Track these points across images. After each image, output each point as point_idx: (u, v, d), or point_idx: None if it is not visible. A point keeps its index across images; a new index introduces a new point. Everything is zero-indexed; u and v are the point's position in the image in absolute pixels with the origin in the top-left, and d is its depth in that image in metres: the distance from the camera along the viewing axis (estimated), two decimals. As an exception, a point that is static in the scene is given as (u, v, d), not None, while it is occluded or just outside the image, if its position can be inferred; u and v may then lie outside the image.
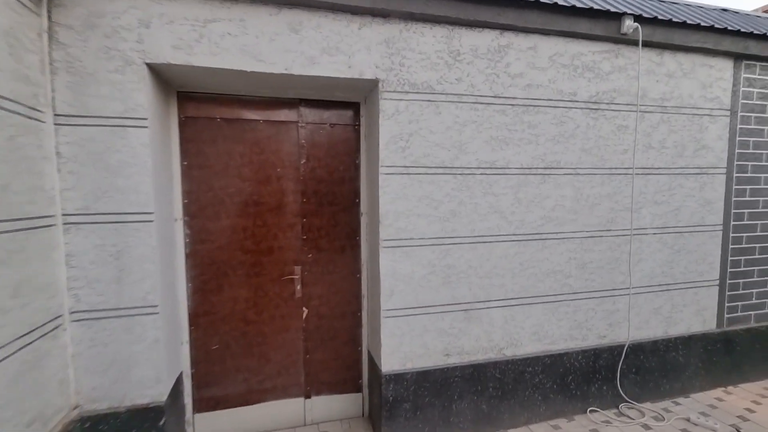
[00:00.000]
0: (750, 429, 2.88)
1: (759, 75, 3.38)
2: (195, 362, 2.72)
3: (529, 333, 2.92)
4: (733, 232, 3.44)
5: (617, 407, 3.15)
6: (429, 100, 2.58)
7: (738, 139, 3.37)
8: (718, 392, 3.42)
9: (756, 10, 5.60)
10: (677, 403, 3.25)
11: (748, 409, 3.14)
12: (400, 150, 2.55)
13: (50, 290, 1.97)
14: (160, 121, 2.36)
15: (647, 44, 2.97)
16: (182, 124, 2.59)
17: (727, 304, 3.48)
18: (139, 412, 2.20)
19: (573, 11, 2.70)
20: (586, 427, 2.90)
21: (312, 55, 2.35)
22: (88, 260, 2.10)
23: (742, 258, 3.50)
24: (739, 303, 3.53)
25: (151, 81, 2.19)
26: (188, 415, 2.70)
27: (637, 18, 2.81)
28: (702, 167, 3.28)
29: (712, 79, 3.22)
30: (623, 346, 3.14)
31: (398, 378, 2.64)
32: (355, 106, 2.90)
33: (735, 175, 3.39)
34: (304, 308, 2.91)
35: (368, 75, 2.45)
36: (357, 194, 2.95)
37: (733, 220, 3.43)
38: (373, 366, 2.83)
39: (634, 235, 3.12)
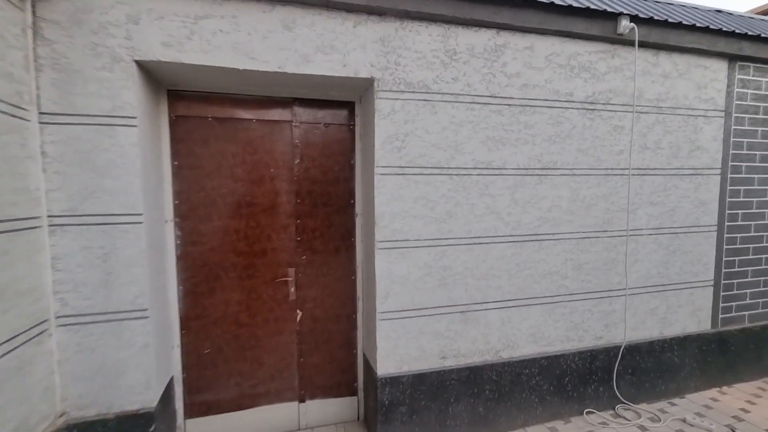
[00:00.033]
0: (745, 429, 2.88)
1: (753, 76, 3.39)
2: (186, 367, 2.66)
3: (525, 335, 2.90)
4: (727, 233, 3.45)
5: (614, 408, 3.14)
6: (425, 100, 2.54)
7: (732, 140, 3.37)
8: (713, 392, 3.43)
9: (749, 12, 5.65)
10: (673, 404, 3.25)
11: (743, 410, 3.15)
12: (395, 150, 2.52)
13: (35, 294, 1.91)
14: (150, 120, 2.30)
15: (643, 45, 2.96)
16: (173, 124, 2.53)
17: (721, 305, 3.49)
18: (128, 419, 2.14)
19: (569, 11, 2.68)
20: (582, 429, 2.88)
21: (306, 54, 2.30)
22: (74, 263, 2.04)
23: (737, 258, 3.51)
24: (734, 303, 3.54)
25: (141, 79, 2.13)
26: (179, 421, 2.64)
27: (633, 18, 2.80)
28: (697, 168, 3.28)
29: (706, 79, 3.22)
30: (619, 347, 3.13)
31: (394, 381, 2.61)
32: (350, 106, 2.86)
33: (729, 175, 3.40)
34: (298, 311, 2.86)
35: (363, 74, 2.41)
36: (352, 195, 2.90)
37: (728, 221, 3.44)
38: (369, 369, 2.79)
39: (630, 236, 3.12)
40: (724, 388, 3.50)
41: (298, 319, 2.86)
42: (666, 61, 3.09)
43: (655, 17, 2.84)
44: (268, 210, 2.74)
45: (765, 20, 3.82)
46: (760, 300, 3.64)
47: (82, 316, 2.06)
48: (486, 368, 2.80)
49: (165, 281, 2.52)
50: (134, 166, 2.07)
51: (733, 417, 3.04)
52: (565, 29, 2.71)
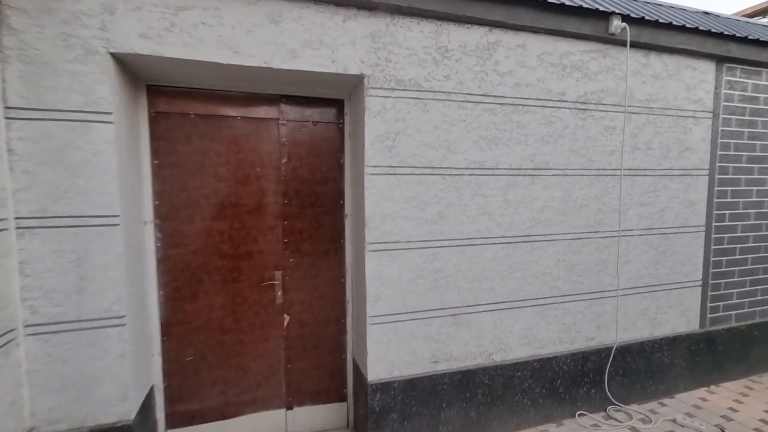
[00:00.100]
0: (734, 429, 2.90)
1: (739, 78, 3.42)
2: (167, 375, 2.54)
3: (518, 337, 2.86)
4: (715, 233, 3.47)
5: (605, 410, 3.13)
6: (416, 98, 2.48)
7: (720, 141, 3.40)
8: (702, 392, 3.45)
9: (736, 14, 5.74)
10: (663, 404, 3.25)
11: (731, 409, 3.17)
12: (386, 149, 2.44)
13: (1, 302, 1.78)
14: (128, 116, 2.18)
15: (634, 45, 2.95)
16: (153, 120, 2.41)
17: (709, 304, 3.52)
18: (103, 433, 2.02)
19: (562, 9, 2.65)
20: (575, 432, 2.86)
21: (293, 48, 2.21)
22: (44, 268, 1.91)
23: (724, 258, 3.54)
24: (721, 303, 3.57)
25: (117, 72, 2.02)
26: (160, 432, 2.53)
27: (625, 18, 2.79)
28: (686, 169, 3.29)
29: (695, 81, 3.23)
30: (611, 348, 3.12)
31: (385, 387, 2.53)
32: (339, 104, 2.77)
33: (717, 176, 3.42)
34: (285, 315, 2.76)
35: (353, 70, 2.34)
36: (341, 195, 2.82)
37: (715, 221, 3.46)
38: (359, 374, 2.71)
39: (621, 236, 3.11)
40: (712, 388, 3.52)
41: (286, 323, 2.77)
42: (656, 61, 3.08)
43: (647, 17, 2.83)
44: (254, 211, 2.64)
45: (751, 23, 3.86)
46: (746, 300, 3.68)
47: (53, 324, 1.94)
48: (478, 372, 2.75)
49: (144, 286, 2.40)
50: (110, 165, 1.95)
51: (722, 417, 3.06)
52: (558, 28, 2.68)
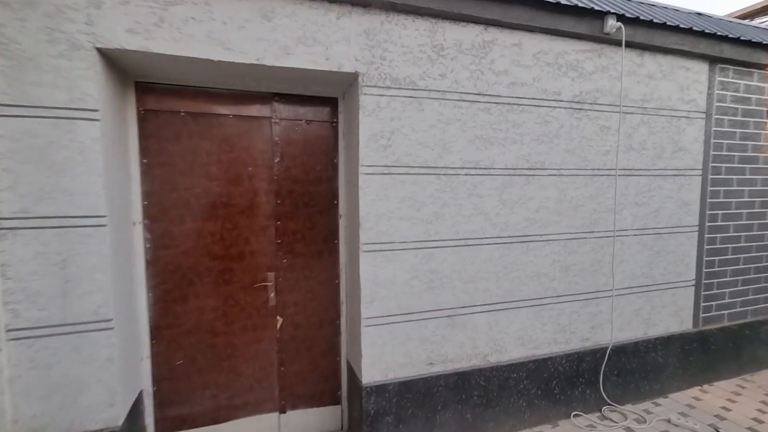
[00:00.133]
0: (728, 428, 2.91)
1: (732, 78, 3.44)
2: (157, 379, 2.48)
3: (513, 338, 2.84)
4: (708, 233, 3.49)
5: (600, 410, 3.12)
6: (411, 97, 2.45)
7: (713, 141, 3.41)
8: (695, 391, 3.46)
9: (728, 16, 5.79)
10: (657, 404, 3.25)
11: (724, 408, 3.18)
12: (381, 148, 2.41)
13: (-19, 306, 1.71)
14: (115, 113, 2.12)
15: (629, 45, 2.95)
16: (141, 118, 2.35)
17: (702, 304, 3.53)
18: (90, 440, 1.96)
19: (557, 8, 2.63)
20: (570, 433, 2.85)
21: (286, 45, 2.17)
22: (27, 270, 1.84)
23: (716, 258, 3.55)
24: (714, 303, 3.59)
25: (103, 68, 1.96)
26: (149, 438, 2.46)
27: (620, 18, 2.78)
28: (680, 169, 3.30)
29: (689, 81, 3.24)
30: (606, 348, 3.12)
31: (380, 389, 2.50)
32: (332, 102, 2.73)
33: (710, 176, 3.44)
34: (278, 317, 2.72)
35: (347, 68, 2.30)
36: (335, 195, 2.78)
37: (708, 221, 3.48)
38: (353, 377, 2.67)
39: (616, 236, 3.10)
40: (705, 387, 3.54)
41: (279, 325, 2.72)
42: (651, 61, 3.09)
43: (641, 17, 2.83)
44: (246, 211, 2.59)
45: (742, 24, 3.89)
46: (738, 299, 3.70)
47: (37, 328, 1.87)
48: (474, 373, 2.72)
49: (133, 288, 2.33)
50: (96, 164, 1.89)
51: (716, 416, 3.07)
52: (553, 27, 2.66)
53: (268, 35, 2.13)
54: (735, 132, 3.51)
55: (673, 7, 3.56)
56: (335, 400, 2.89)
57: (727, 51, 3.27)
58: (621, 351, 3.20)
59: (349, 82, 2.48)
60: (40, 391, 1.89)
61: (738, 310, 3.71)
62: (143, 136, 2.35)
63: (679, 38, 3.06)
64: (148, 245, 2.41)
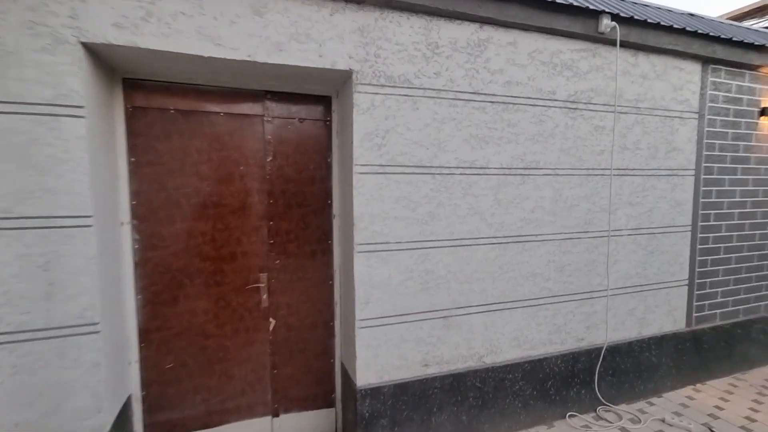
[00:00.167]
0: (721, 427, 2.92)
1: (724, 79, 3.46)
2: (146, 384, 2.42)
3: (509, 339, 2.82)
4: (700, 233, 3.50)
5: (595, 410, 3.12)
6: (406, 95, 2.41)
7: (705, 141, 3.43)
8: (688, 390, 3.47)
9: (720, 17, 5.84)
10: (651, 404, 3.26)
11: (717, 407, 3.20)
12: (375, 147, 2.37)
13: (-41, 310, 1.64)
14: (102, 111, 2.06)
15: (623, 45, 2.95)
16: (129, 116, 2.29)
17: (695, 304, 3.55)
18: (75, 448, 1.90)
19: (552, 7, 2.62)
20: (566, 434, 2.84)
21: (278, 42, 2.12)
22: (9, 273, 1.78)
23: (709, 258, 3.57)
24: (706, 302, 3.60)
25: (89, 64, 1.89)
26: (138, 444, 2.40)
27: (615, 17, 2.78)
28: (673, 169, 3.31)
29: (682, 81, 3.25)
30: (600, 348, 3.11)
31: (374, 392, 2.46)
32: (326, 100, 2.69)
33: (702, 176, 3.45)
34: (271, 319, 2.67)
35: (341, 66, 2.26)
36: (329, 195, 2.74)
37: (701, 221, 3.49)
38: (347, 379, 2.63)
39: (611, 236, 3.10)
40: (698, 386, 3.55)
41: (271, 327, 2.67)
42: (644, 61, 3.09)
43: (636, 17, 2.83)
44: (238, 211, 2.54)
45: (734, 25, 3.92)
46: (730, 298, 3.72)
47: (20, 333, 1.81)
48: (469, 375, 2.70)
49: (121, 290, 2.27)
50: (81, 163, 1.83)
51: (709, 415, 3.08)
52: (548, 26, 2.65)
53: (260, 31, 2.08)
54: (727, 132, 3.53)
55: (666, 8, 3.57)
56: (329, 403, 2.85)
57: (720, 51, 3.28)
58: (615, 351, 3.20)
59: (343, 79, 2.44)
60: (23, 398, 1.82)
61: (730, 309, 3.73)
62: (131, 134, 2.29)
63: (673, 38, 3.07)
64: (136, 246, 2.35)
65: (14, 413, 1.81)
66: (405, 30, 2.37)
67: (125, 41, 1.86)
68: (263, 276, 2.61)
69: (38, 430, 1.85)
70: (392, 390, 2.50)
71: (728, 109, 3.51)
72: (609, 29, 2.76)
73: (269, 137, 2.57)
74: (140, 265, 2.36)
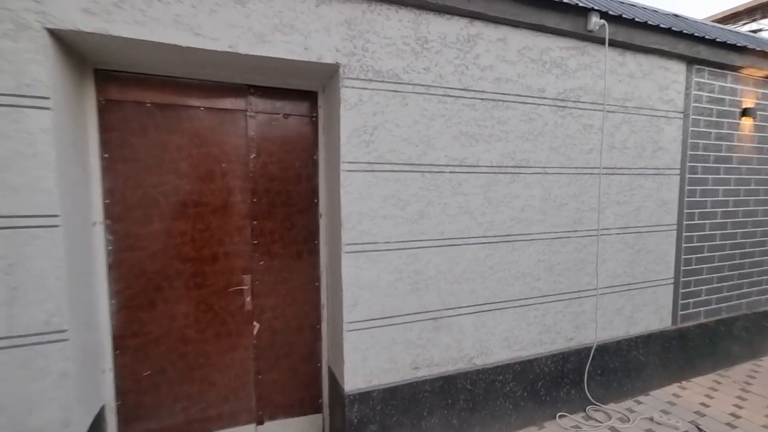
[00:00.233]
0: (708, 424, 2.94)
1: (708, 80, 3.50)
2: (121, 393, 2.29)
3: (499, 340, 2.78)
4: (685, 232, 3.53)
5: (584, 410, 3.10)
6: (395, 91, 2.35)
7: (690, 141, 3.46)
8: (675, 388, 3.50)
9: (704, 20, 5.95)
10: (639, 402, 3.27)
11: (703, 404, 3.22)
12: (363, 144, 2.30)
13: None
14: (71, 103, 1.93)
15: (611, 43, 2.94)
16: (102, 109, 2.16)
17: (680, 302, 3.58)
18: (41, 464, 1.77)
19: (542, 3, 2.59)
20: (556, 435, 2.81)
21: (262, 33, 2.03)
22: (-34, 277, 1.64)
23: (693, 256, 3.61)
24: (691, 300, 3.64)
25: (56, 52, 1.77)
26: (112, 457, 2.27)
27: (603, 15, 2.77)
28: (659, 168, 3.33)
29: (668, 81, 3.28)
30: (590, 348, 3.10)
31: (363, 397, 2.38)
32: (312, 96, 2.60)
33: (687, 176, 3.49)
34: (255, 323, 2.56)
35: (327, 59, 2.18)
36: (315, 193, 2.65)
37: (686, 220, 3.53)
38: (335, 384, 2.55)
39: (600, 235, 3.09)
40: (684, 383, 3.58)
41: (255, 331, 2.57)
42: (631, 60, 3.10)
43: (624, 15, 2.83)
44: (220, 210, 2.43)
45: (717, 27, 3.98)
46: (714, 296, 3.77)
47: (-22, 341, 1.67)
48: (460, 377, 2.65)
49: (93, 295, 2.14)
50: (47, 158, 1.70)
51: (696, 412, 3.10)
52: (538, 23, 2.62)
53: (242, 21, 1.99)
54: (710, 132, 3.58)
55: (652, 8, 3.60)
56: (316, 409, 2.76)
57: (704, 52, 3.32)
58: (604, 350, 3.19)
59: (330, 74, 2.36)
60: (-18, 412, 1.69)
61: (713, 307, 3.78)
62: (104, 128, 2.17)
63: (659, 38, 3.08)
64: (110, 247, 2.22)
65: (-28, 429, 1.68)
66: (393, 23, 2.31)
67: (96, 28, 1.74)
68: (246, 278, 2.51)
69: (0, 447, 1.72)
70: (381, 394, 2.43)
71: (711, 109, 3.55)
72: (598, 27, 2.75)
73: (252, 133, 2.47)
74: (114, 267, 2.23)
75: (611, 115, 3.06)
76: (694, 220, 3.57)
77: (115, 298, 2.25)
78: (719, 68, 3.53)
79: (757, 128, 3.85)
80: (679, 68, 3.32)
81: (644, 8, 3.49)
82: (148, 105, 2.24)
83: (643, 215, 3.30)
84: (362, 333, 2.37)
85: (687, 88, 3.39)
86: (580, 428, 2.88)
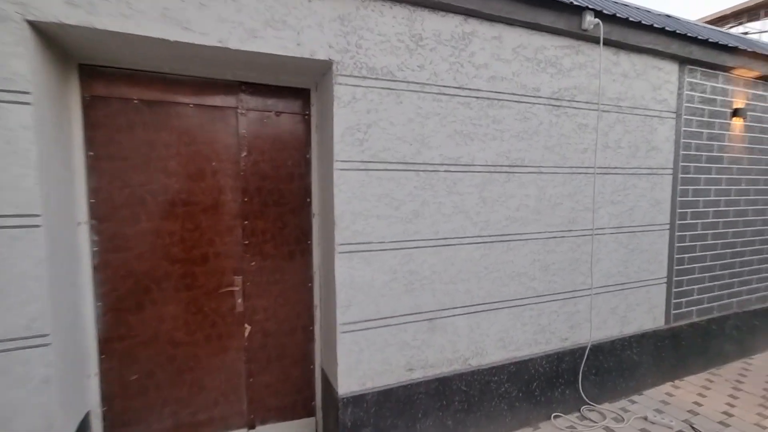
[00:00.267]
0: (701, 423, 2.94)
1: (700, 80, 3.52)
2: (107, 398, 2.22)
3: (494, 340, 2.76)
4: (678, 231, 3.55)
5: (579, 410, 3.10)
6: (389, 88, 2.31)
7: (682, 141, 3.48)
8: (668, 387, 3.51)
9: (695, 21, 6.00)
10: (633, 402, 3.27)
11: (696, 403, 3.24)
12: (357, 143, 2.26)
13: None
14: (54, 98, 1.86)
15: (605, 42, 2.93)
16: (87, 105, 2.09)
17: (673, 301, 3.59)
18: (22, 474, 1.70)
19: (537, 2, 2.57)
20: (551, 435, 2.80)
21: (253, 28, 1.98)
22: (-58, 279, 1.57)
23: (686, 256, 3.63)
24: (683, 299, 3.66)
25: (37, 45, 1.70)
26: (98, 464, 2.20)
27: (598, 14, 2.76)
28: (653, 168, 3.34)
29: (661, 81, 3.28)
30: (584, 347, 3.09)
31: (357, 400, 2.34)
32: (304, 93, 2.56)
33: (680, 175, 3.50)
34: (246, 325, 2.51)
35: (321, 55, 2.13)
36: (308, 193, 2.60)
37: (678, 220, 3.54)
38: (328, 387, 2.50)
39: (594, 235, 3.09)
40: (677, 382, 3.60)
41: (247, 333, 2.51)
42: (625, 60, 3.10)
43: (618, 14, 2.82)
44: (210, 209, 2.37)
45: (708, 27, 4.01)
46: (705, 295, 3.80)
47: (-46, 347, 1.60)
48: (455, 378, 2.62)
49: (77, 297, 2.07)
50: (28, 155, 1.64)
51: (689, 411, 3.11)
52: (533, 21, 2.60)
53: (233, 16, 1.94)
54: (702, 132, 3.59)
55: (644, 8, 3.61)
56: (309, 412, 2.71)
57: (696, 52, 3.33)
58: (598, 350, 3.19)
59: (323, 71, 2.31)
60: (-41, 421, 1.62)
61: (705, 306, 3.80)
62: (89, 125, 2.10)
63: (653, 38, 3.09)
64: (96, 248, 2.15)
65: (-52, 438, 1.60)
66: (388, 20, 2.27)
67: (79, 21, 1.68)
68: (237, 279, 2.45)
69: (-22, 457, 1.65)
70: (376, 397, 2.39)
71: (703, 109, 3.57)
72: (592, 26, 2.75)
73: (243, 131, 2.41)
74: (100, 268, 2.17)
75: (605, 114, 3.06)
76: (686, 220, 3.59)
77: (101, 301, 2.18)
78: (711, 69, 3.55)
79: (747, 128, 3.88)
80: (671, 68, 3.33)
81: (637, 8, 3.50)
82: (136, 101, 2.18)
83: (637, 215, 3.30)
84: (356, 334, 2.33)
85: (679, 88, 3.40)
86: (575, 428, 2.87)
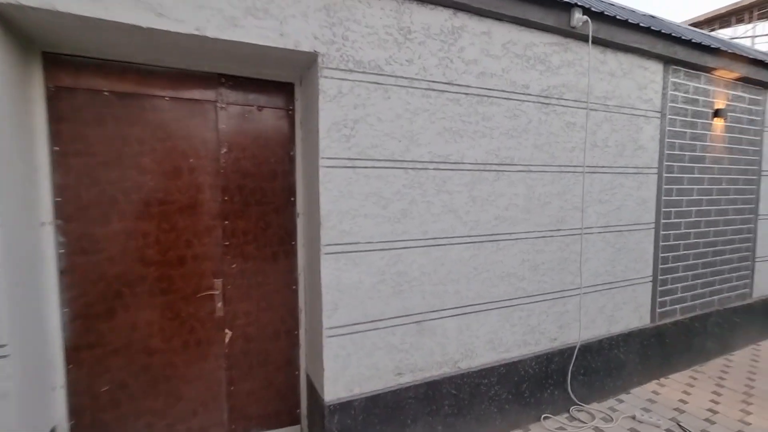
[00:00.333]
0: (688, 420, 2.96)
1: (683, 80, 3.56)
2: (75, 411, 2.07)
3: (484, 342, 2.71)
4: (662, 230, 3.58)
5: (568, 411, 3.07)
6: (377, 83, 2.23)
7: (666, 140, 3.50)
8: (653, 385, 3.53)
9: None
10: (621, 401, 3.27)
11: (682, 400, 3.26)
12: (344, 139, 2.17)
13: None
14: (12, 89, 1.72)
15: (593, 41, 2.92)
16: (52, 97, 1.94)
17: (658, 299, 3.62)
18: (-25, 499, 1.55)
19: (527, -3, 2.53)
20: (541, 437, 2.76)
21: (233, 16, 1.87)
22: None
23: (670, 254, 3.66)
24: (668, 297, 3.69)
25: (-7, 29, 1.56)
26: (65, 483, 2.05)
27: (586, 11, 2.74)
28: (639, 167, 3.35)
29: (646, 81, 3.30)
30: (573, 348, 3.07)
31: (344, 407, 2.25)
32: (288, 87, 2.45)
33: (664, 175, 3.53)
34: (226, 330, 2.39)
35: (305, 47, 2.04)
36: (292, 191, 2.50)
37: (663, 219, 3.57)
38: (314, 393, 2.40)
39: (583, 234, 3.07)
40: (662, 380, 3.62)
41: (227, 339, 2.39)
42: (612, 59, 3.09)
43: (606, 12, 2.81)
44: (187, 209, 2.24)
45: (690, 29, 4.07)
46: (689, 293, 3.84)
47: None
48: (444, 382, 2.55)
49: (41, 303, 1.92)
50: (-19, 148, 1.49)
51: (675, 409, 3.12)
52: (522, 16, 2.56)
53: (211, 2, 1.82)
54: (686, 132, 3.63)
55: (629, 8, 3.63)
56: (294, 420, 2.60)
57: (680, 53, 3.36)
58: (587, 350, 3.17)
59: (308, 63, 2.22)
60: None
61: (688, 303, 3.85)
62: (54, 118, 1.95)
63: (639, 37, 3.09)
64: (62, 250, 2.00)
65: None
66: (375, 11, 2.19)
67: (40, 3, 1.54)
68: (217, 282, 2.33)
69: (-76, 482, 1.49)
70: (363, 403, 2.30)
71: (687, 109, 3.61)
72: (581, 23, 2.73)
73: (223, 126, 2.29)
74: (67, 272, 2.02)
75: (593, 113, 3.04)
76: (670, 219, 3.62)
77: (68, 307, 2.03)
78: (694, 69, 3.60)
79: (728, 129, 3.95)
80: (656, 68, 3.36)
81: (623, 7, 3.51)
82: (106, 93, 2.04)
83: (624, 214, 3.31)
84: (343, 339, 2.24)
85: (664, 88, 3.43)
86: (565, 429, 2.85)
